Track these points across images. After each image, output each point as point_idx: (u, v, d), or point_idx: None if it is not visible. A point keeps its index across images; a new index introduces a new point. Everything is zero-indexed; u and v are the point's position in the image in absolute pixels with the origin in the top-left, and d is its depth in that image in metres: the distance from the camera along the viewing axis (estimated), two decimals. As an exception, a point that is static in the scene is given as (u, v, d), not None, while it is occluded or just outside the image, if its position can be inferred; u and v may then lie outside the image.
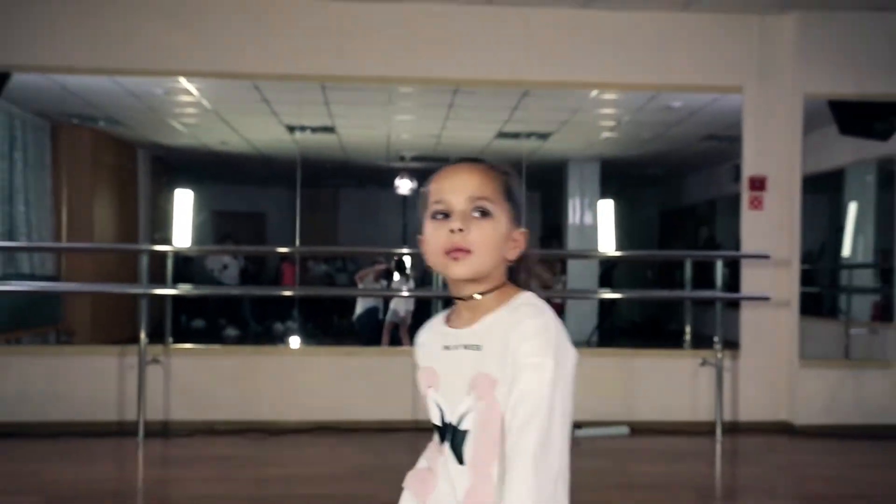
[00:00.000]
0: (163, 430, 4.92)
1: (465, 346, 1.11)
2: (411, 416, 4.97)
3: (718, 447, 4.80)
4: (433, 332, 1.23)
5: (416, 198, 1.21)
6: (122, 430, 4.88)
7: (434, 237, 1.11)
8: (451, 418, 1.11)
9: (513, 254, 1.15)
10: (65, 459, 4.34)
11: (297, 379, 5.20)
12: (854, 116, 5.55)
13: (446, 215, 1.09)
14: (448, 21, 5.25)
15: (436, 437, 1.17)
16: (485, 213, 1.09)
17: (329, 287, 10.55)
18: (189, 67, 5.37)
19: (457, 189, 1.11)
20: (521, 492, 1.10)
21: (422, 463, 1.25)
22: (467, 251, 1.07)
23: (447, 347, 1.14)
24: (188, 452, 4.56)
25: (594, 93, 6.83)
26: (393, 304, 8.51)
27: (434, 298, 5.85)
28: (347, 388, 5.12)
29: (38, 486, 3.78)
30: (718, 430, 4.98)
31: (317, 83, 6.15)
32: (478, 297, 1.13)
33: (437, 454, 1.17)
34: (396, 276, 8.54)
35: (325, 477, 3.98)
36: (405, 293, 8.21)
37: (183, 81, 6.81)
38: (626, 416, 5.18)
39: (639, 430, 5.10)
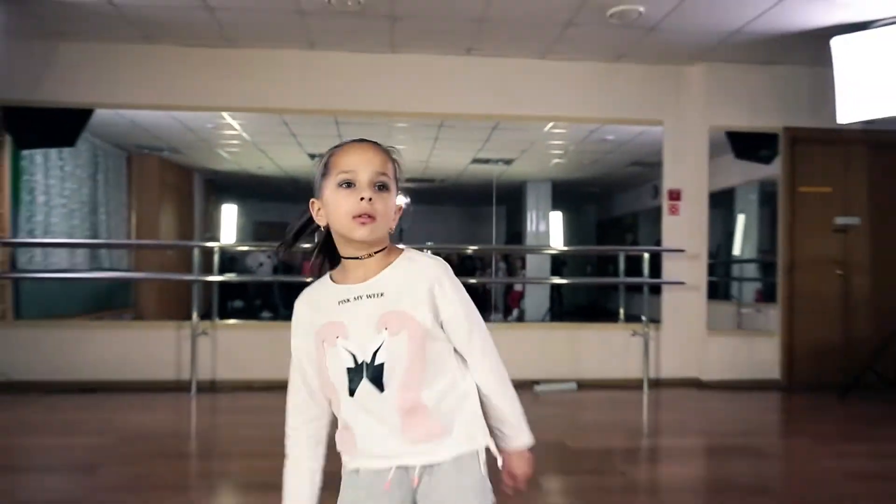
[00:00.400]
0: (210, 387, 5.00)
1: (368, 296, 1.12)
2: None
3: (645, 398, 4.97)
4: (319, 294, 1.19)
5: (317, 170, 1.15)
6: (178, 387, 4.93)
7: (343, 203, 1.09)
8: (365, 357, 1.10)
9: (394, 223, 1.16)
10: (133, 409, 4.41)
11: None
12: (746, 145, 5.69)
13: (351, 185, 1.09)
14: (434, 68, 5.34)
15: (341, 392, 1.14)
16: (384, 188, 1.11)
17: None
18: (229, 104, 5.45)
19: (364, 163, 1.10)
20: (498, 374, 1.21)
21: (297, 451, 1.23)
22: (373, 218, 1.08)
23: (345, 301, 1.13)
24: (230, 404, 4.66)
25: (547, 127, 6.91)
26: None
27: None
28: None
29: (112, 429, 3.86)
30: (645, 385, 5.18)
31: (331, 118, 6.19)
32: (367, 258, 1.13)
33: (344, 407, 1.15)
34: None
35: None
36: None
37: (227, 117, 6.83)
38: (573, 375, 5.30)
39: (584, 385, 5.24)
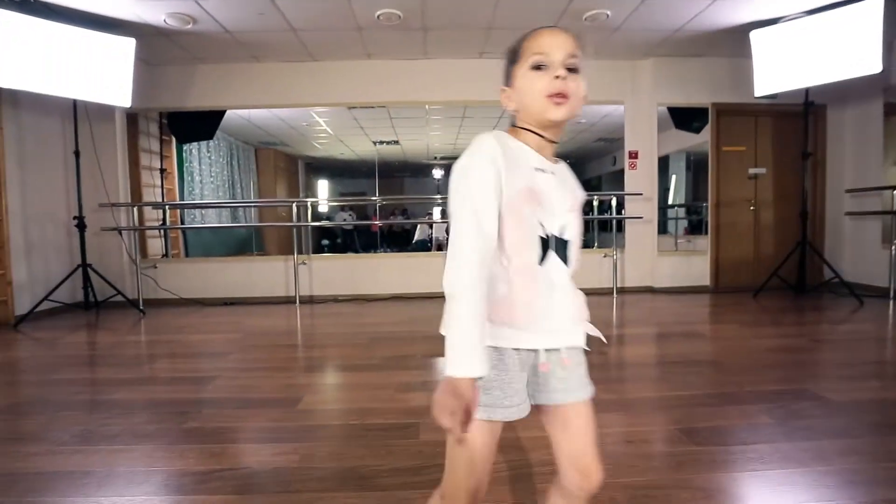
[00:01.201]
0: (309, 300, 4.72)
1: (553, 173, 0.78)
2: (442, 288, 4.70)
3: (614, 301, 4.50)
4: (512, 148, 0.75)
5: (505, 57, 0.80)
6: (287, 301, 4.67)
7: (536, 83, 0.73)
8: (555, 231, 0.74)
9: (580, 110, 0.77)
10: (256, 316, 4.14)
11: (381, 270, 4.90)
12: (682, 118, 5.06)
13: (543, 67, 0.73)
14: (456, 67, 4.78)
15: (531, 257, 0.73)
16: (574, 70, 0.73)
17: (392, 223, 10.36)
18: (313, 101, 4.95)
19: (557, 45, 0.73)
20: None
21: (503, 294, 0.74)
22: (566, 97, 0.72)
23: (540, 170, 0.75)
24: (322, 311, 4.32)
25: (538, 115, 6.38)
26: (434, 233, 8.30)
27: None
28: (408, 275, 4.83)
29: (241, 329, 3.60)
30: (614, 292, 4.74)
31: (384, 109, 5.75)
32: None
33: (533, 274, 0.74)
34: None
35: (396, 321, 3.73)
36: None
37: (316, 117, 6.44)
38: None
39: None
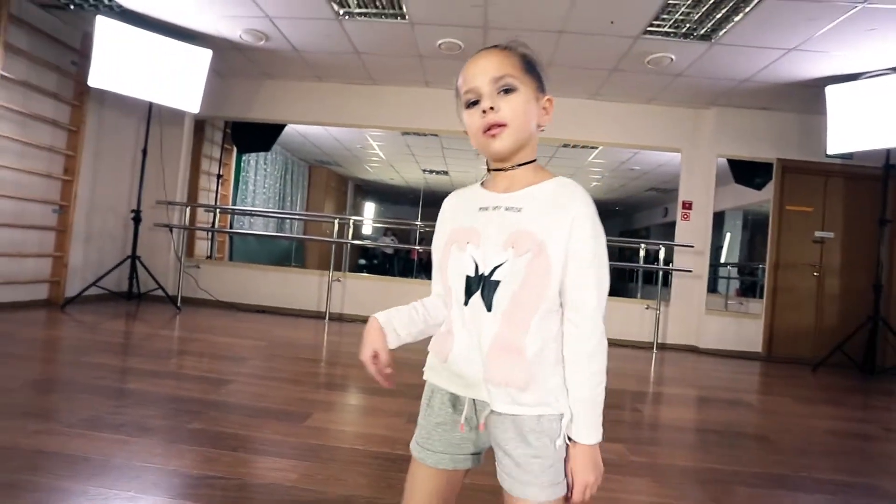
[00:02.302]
0: (339, 318, 4.70)
1: (506, 208, 0.69)
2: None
3: (654, 356, 4.20)
4: (464, 197, 0.77)
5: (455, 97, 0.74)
6: (318, 316, 4.68)
7: (471, 123, 0.68)
8: (485, 269, 0.65)
9: (546, 119, 0.68)
10: (285, 326, 4.16)
11: (413, 296, 4.78)
12: (743, 172, 4.80)
13: (476, 102, 0.66)
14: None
15: (455, 295, 0.69)
16: (509, 90, 0.66)
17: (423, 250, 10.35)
18: (371, 123, 5.05)
19: (479, 74, 0.67)
20: (594, 345, 0.72)
21: (442, 328, 0.78)
22: (502, 125, 0.65)
23: (484, 208, 0.72)
24: (350, 330, 4.30)
25: (590, 157, 6.25)
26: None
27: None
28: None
29: (267, 337, 3.61)
30: (654, 347, 4.43)
31: (436, 139, 5.81)
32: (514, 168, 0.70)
33: (454, 311, 0.73)
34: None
35: (422, 349, 3.65)
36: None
37: (370, 140, 6.60)
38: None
39: (610, 344, 4.53)
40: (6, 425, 1.62)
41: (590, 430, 0.68)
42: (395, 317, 0.79)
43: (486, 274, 0.67)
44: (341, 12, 3.47)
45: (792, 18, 3.00)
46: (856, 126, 3.81)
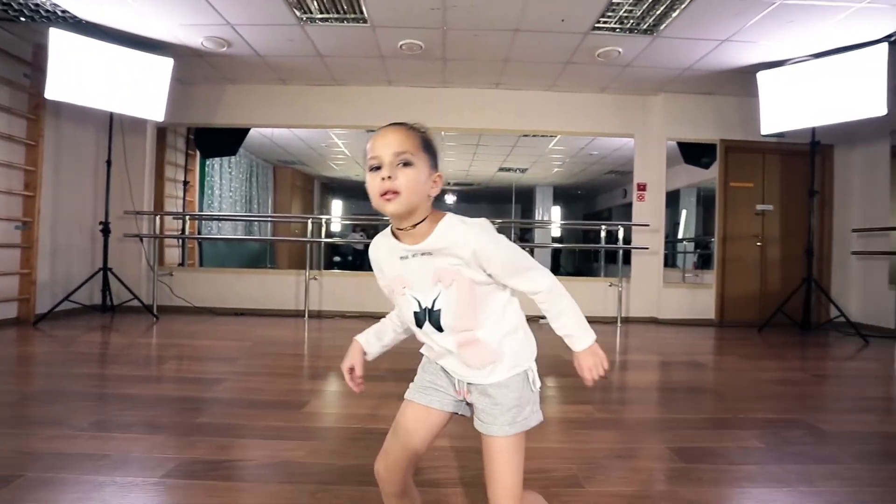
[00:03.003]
0: (318, 315, 4.83)
1: (422, 254, 0.85)
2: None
3: (618, 329, 4.54)
4: (384, 249, 0.92)
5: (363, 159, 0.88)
6: (297, 314, 4.79)
7: (371, 185, 0.84)
8: (427, 304, 0.87)
9: (434, 190, 0.86)
10: (266, 326, 4.26)
11: (390, 289, 5.03)
12: (692, 153, 5.19)
13: (378, 168, 0.82)
14: (474, 96, 4.97)
15: (412, 323, 0.91)
16: (407, 164, 0.82)
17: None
18: (336, 123, 5.17)
19: (384, 146, 0.83)
20: (555, 297, 0.90)
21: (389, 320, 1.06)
22: (396, 192, 0.81)
23: (403, 258, 0.87)
24: (329, 326, 4.45)
25: (551, 144, 6.53)
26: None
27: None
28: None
29: (251, 337, 3.73)
30: (618, 321, 4.75)
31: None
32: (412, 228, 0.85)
33: (418, 334, 0.94)
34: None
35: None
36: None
37: (335, 138, 6.66)
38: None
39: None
40: (19, 433, 1.72)
41: (583, 340, 0.92)
42: (371, 338, 1.02)
43: (429, 307, 0.88)
44: (303, 18, 3.56)
45: (721, 13, 3.31)
46: (785, 107, 4.20)
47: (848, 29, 3.44)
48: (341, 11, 3.47)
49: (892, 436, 1.94)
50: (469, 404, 0.95)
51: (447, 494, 1.38)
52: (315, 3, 3.38)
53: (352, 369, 0.99)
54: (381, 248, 0.93)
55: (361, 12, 3.47)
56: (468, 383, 0.91)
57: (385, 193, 0.82)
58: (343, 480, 1.44)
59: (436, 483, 1.44)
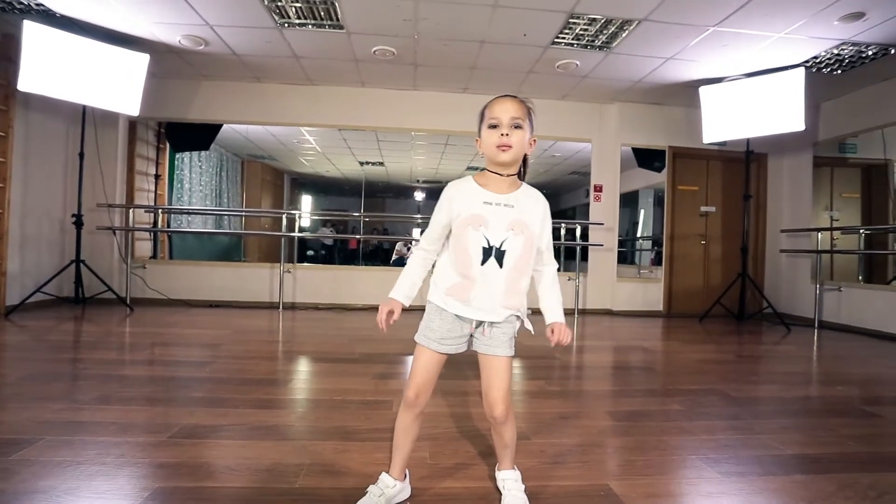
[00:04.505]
0: (292, 307, 5.01)
1: (505, 205, 1.14)
2: (419, 302, 5.03)
3: (576, 320, 4.93)
4: (469, 192, 1.16)
5: (478, 118, 1.20)
6: (271, 306, 4.96)
7: (490, 138, 1.13)
8: (496, 244, 1.13)
9: (529, 151, 1.19)
10: (242, 317, 4.44)
11: (361, 282, 5.25)
12: (645, 158, 5.63)
13: (496, 126, 1.13)
14: (442, 100, 5.25)
15: (474, 259, 1.14)
16: (518, 127, 1.13)
17: (369, 239, 10.65)
18: (309, 121, 5.34)
19: (503, 111, 1.13)
20: (556, 279, 1.26)
21: (453, 280, 1.18)
22: (510, 146, 1.11)
23: (489, 203, 1.14)
24: (304, 316, 4.64)
25: (516, 146, 6.88)
26: (405, 251, 8.64)
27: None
28: (386, 287, 5.15)
29: (229, 327, 3.90)
30: (576, 313, 5.16)
31: (373, 133, 6.16)
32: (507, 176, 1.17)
33: (474, 269, 1.14)
34: (406, 245, 8.60)
35: (374, 326, 4.06)
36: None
37: (306, 134, 6.79)
38: (530, 305, 5.25)
39: (535, 312, 5.16)
40: (29, 407, 1.89)
41: (562, 314, 1.25)
42: (407, 293, 1.23)
43: (497, 246, 1.14)
44: (282, 23, 3.75)
45: (665, 35, 3.71)
46: (724, 119, 4.67)
47: (772, 54, 3.91)
48: (318, 18, 3.68)
49: (787, 400, 2.35)
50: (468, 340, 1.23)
51: (419, 448, 1.67)
52: (293, 10, 3.57)
53: (391, 312, 1.18)
54: (466, 190, 1.16)
55: (338, 20, 3.69)
56: (488, 322, 1.17)
57: (501, 146, 1.11)
58: (328, 437, 1.71)
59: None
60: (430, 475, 1.43)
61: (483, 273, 1.14)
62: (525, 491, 1.27)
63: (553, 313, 1.23)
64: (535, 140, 1.19)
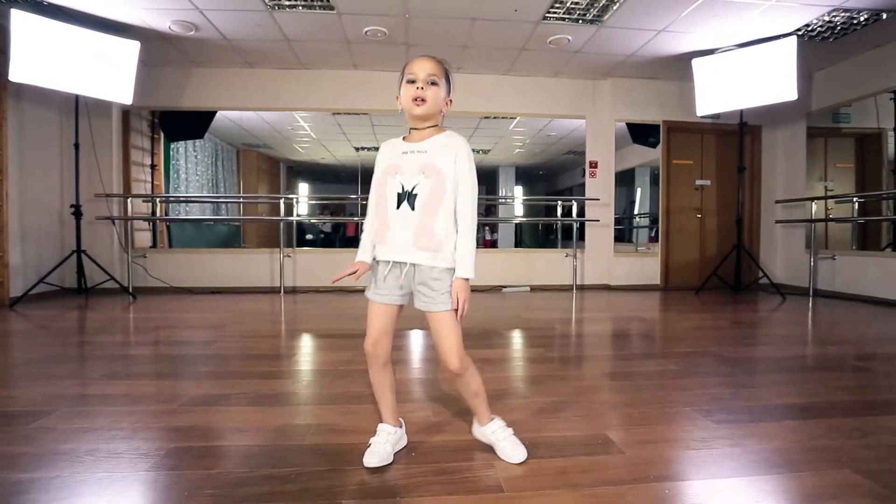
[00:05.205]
0: (293, 290, 5.05)
1: (418, 151, 1.21)
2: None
3: (574, 295, 4.98)
4: (393, 146, 1.27)
5: (399, 77, 1.25)
6: (272, 291, 5.01)
7: (406, 93, 1.20)
8: (408, 188, 1.20)
9: (445, 108, 1.24)
10: (244, 302, 4.49)
11: (361, 265, 5.29)
12: (639, 133, 5.65)
13: (413, 81, 1.19)
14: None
15: (391, 204, 1.21)
16: (434, 84, 1.20)
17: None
18: (302, 105, 5.34)
19: (420, 68, 1.20)
20: (469, 221, 1.22)
21: (375, 226, 1.27)
22: (424, 100, 1.18)
23: (405, 153, 1.22)
24: (305, 299, 4.69)
25: (511, 126, 6.87)
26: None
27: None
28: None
29: (231, 310, 3.97)
30: (574, 288, 5.20)
31: (367, 117, 6.15)
32: (423, 128, 1.23)
33: (390, 214, 1.22)
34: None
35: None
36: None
37: (300, 121, 6.77)
38: (528, 282, 5.33)
39: (534, 289, 5.27)
40: (41, 384, 1.94)
41: (467, 270, 1.21)
42: (369, 251, 1.29)
43: (409, 190, 1.20)
44: (272, 4, 3.73)
45: (656, 7, 3.71)
46: (717, 91, 4.67)
47: (762, 23, 3.91)
48: (309, -1, 3.67)
49: (780, 359, 2.41)
50: (410, 295, 1.28)
51: (422, 408, 1.72)
52: (283, -9, 3.56)
53: (356, 271, 1.25)
54: (391, 145, 1.27)
55: (328, 0, 3.67)
56: (413, 265, 1.21)
57: (416, 99, 1.18)
58: (335, 402, 1.76)
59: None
60: (431, 429, 1.49)
61: (397, 217, 1.21)
62: (515, 434, 1.33)
63: (458, 265, 1.22)
64: (451, 100, 1.25)
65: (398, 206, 1.21)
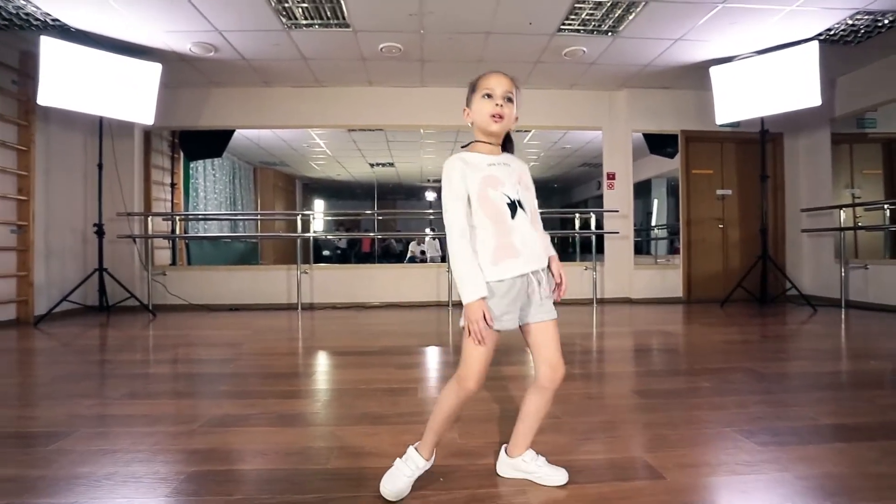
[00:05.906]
0: (310, 307, 5.04)
1: (504, 164, 1.18)
2: (434, 297, 5.04)
3: (594, 309, 4.87)
4: (472, 160, 1.19)
5: (468, 89, 1.22)
6: (289, 307, 4.99)
7: (485, 107, 1.16)
8: (515, 197, 1.15)
9: (513, 126, 1.23)
10: (261, 318, 4.48)
11: (377, 280, 5.26)
12: (657, 144, 5.58)
13: (490, 96, 1.16)
14: (449, 95, 5.16)
15: (507, 215, 1.13)
16: (510, 101, 1.17)
17: (383, 237, 10.64)
18: (319, 123, 5.39)
19: (498, 84, 1.17)
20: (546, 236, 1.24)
21: (494, 244, 1.13)
22: (502, 117, 1.16)
23: (493, 164, 1.17)
24: (322, 315, 4.67)
25: (526, 139, 6.84)
26: (419, 254, 8.66)
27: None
28: (402, 284, 5.19)
29: (249, 327, 3.96)
30: (594, 302, 5.09)
31: (382, 133, 6.18)
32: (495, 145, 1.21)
33: (510, 225, 1.13)
34: (420, 246, 8.64)
35: (392, 322, 4.06)
36: (421, 246, 8.32)
37: (316, 138, 6.85)
38: (544, 295, 5.24)
39: (553, 303, 5.15)
40: (62, 403, 1.93)
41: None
42: (481, 282, 1.10)
43: (518, 199, 1.17)
44: (289, 24, 3.78)
45: (672, 15, 3.66)
46: (736, 99, 4.59)
47: (783, 28, 3.84)
48: (325, 18, 3.71)
49: (819, 374, 2.29)
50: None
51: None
52: (300, 10, 3.61)
53: (484, 313, 1.08)
54: (468, 160, 1.17)
55: (344, 18, 3.71)
56: (542, 270, 1.19)
57: (494, 115, 1.16)
58: (356, 423, 1.71)
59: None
60: (459, 453, 1.43)
61: (518, 226, 1.16)
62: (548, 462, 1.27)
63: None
64: (517, 117, 1.24)
65: (513, 217, 1.16)
